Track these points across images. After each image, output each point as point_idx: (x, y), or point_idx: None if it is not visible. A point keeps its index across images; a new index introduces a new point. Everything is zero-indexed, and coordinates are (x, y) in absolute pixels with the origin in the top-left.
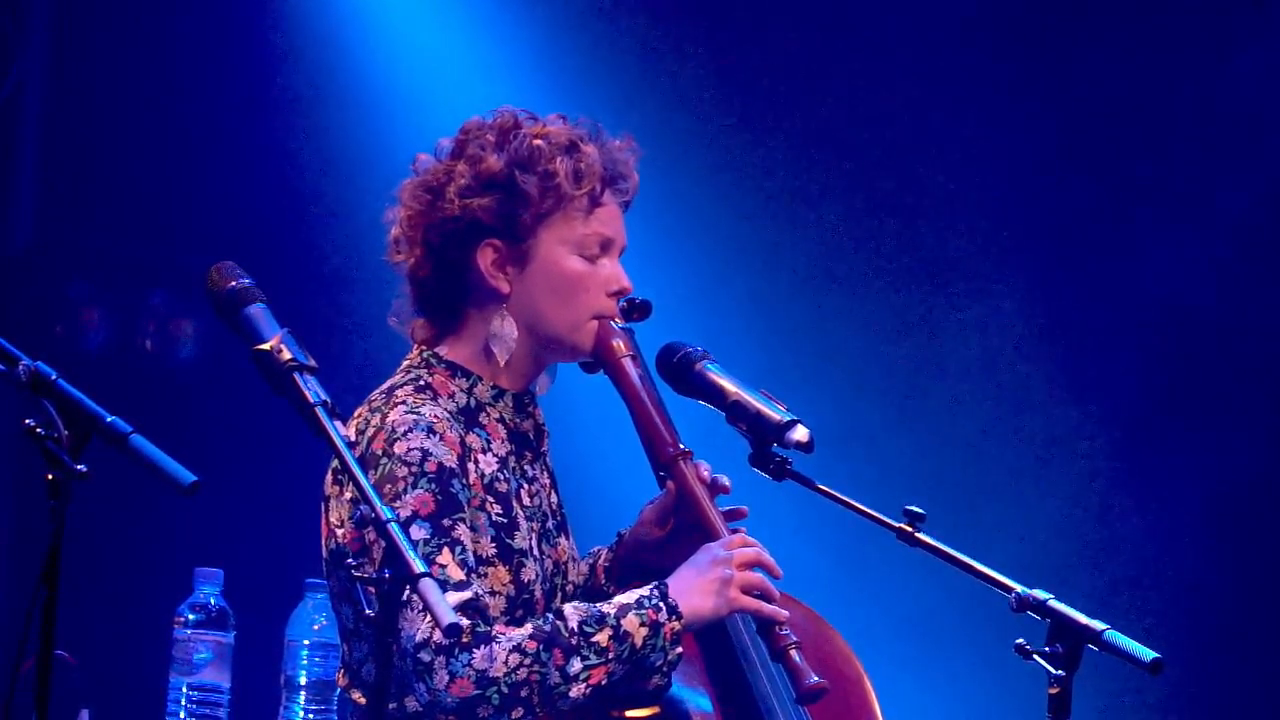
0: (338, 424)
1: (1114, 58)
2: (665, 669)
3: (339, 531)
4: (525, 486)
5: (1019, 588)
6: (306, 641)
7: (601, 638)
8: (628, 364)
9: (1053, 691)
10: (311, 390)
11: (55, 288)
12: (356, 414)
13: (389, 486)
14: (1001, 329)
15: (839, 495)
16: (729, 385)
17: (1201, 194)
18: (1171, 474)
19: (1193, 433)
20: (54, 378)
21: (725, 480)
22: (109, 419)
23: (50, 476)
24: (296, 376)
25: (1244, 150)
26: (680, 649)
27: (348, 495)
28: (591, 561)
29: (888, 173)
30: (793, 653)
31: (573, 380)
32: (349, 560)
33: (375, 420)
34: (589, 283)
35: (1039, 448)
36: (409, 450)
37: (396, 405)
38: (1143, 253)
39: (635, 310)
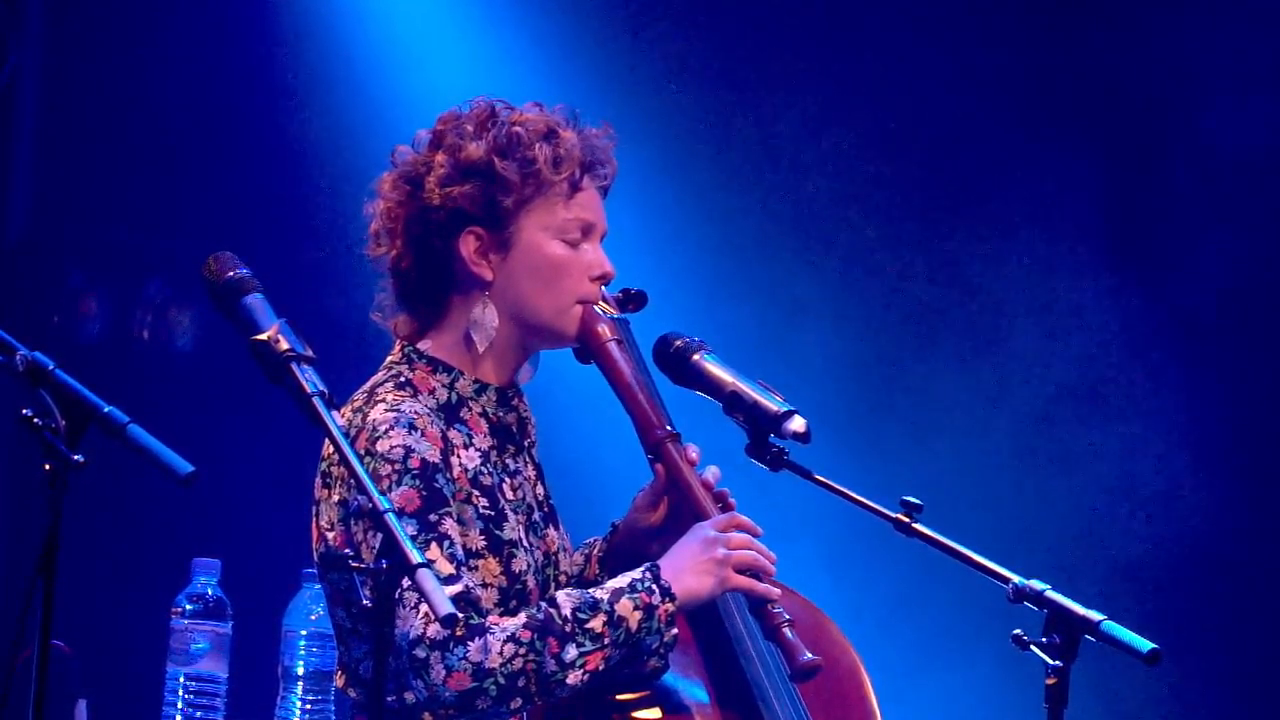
0: (335, 414)
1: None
2: (661, 651)
3: (329, 535)
4: (508, 480)
5: (1016, 578)
6: (304, 631)
7: (596, 623)
8: (613, 348)
9: (1050, 682)
10: (309, 380)
11: (52, 277)
12: (340, 413)
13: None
14: (1002, 319)
15: (836, 485)
16: (726, 376)
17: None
18: (1174, 468)
19: (1195, 426)
20: (51, 367)
21: (712, 473)
22: (106, 409)
23: (47, 466)
24: (294, 366)
25: None
26: (675, 630)
27: (336, 498)
28: (586, 552)
29: (890, 157)
30: (785, 630)
31: (567, 371)
32: (346, 551)
33: (357, 420)
34: (572, 268)
35: (1041, 442)
36: (391, 448)
37: (378, 403)
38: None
39: (631, 300)
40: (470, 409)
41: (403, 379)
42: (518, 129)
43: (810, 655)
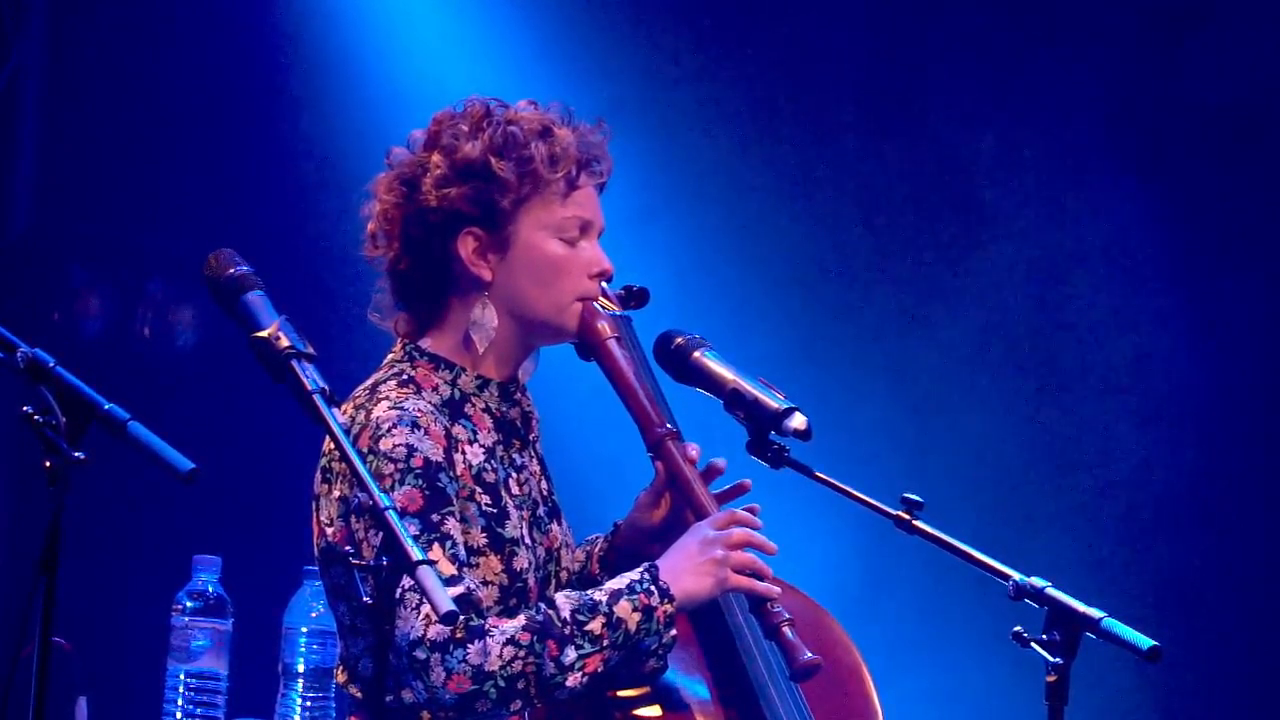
0: (336, 412)
1: None
2: (660, 652)
3: (329, 530)
4: (514, 475)
5: (1017, 575)
6: (304, 629)
7: (595, 625)
8: (612, 345)
9: (1050, 679)
10: (310, 378)
11: (53, 274)
12: (341, 410)
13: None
14: (1001, 315)
15: (837, 483)
16: (726, 373)
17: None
18: (1174, 465)
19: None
20: (52, 364)
21: (720, 462)
22: (107, 406)
23: (48, 463)
24: (295, 364)
25: None
26: (674, 631)
27: (336, 494)
28: (588, 549)
29: (888, 155)
30: (785, 630)
31: (571, 366)
32: (347, 549)
33: (360, 417)
34: (570, 266)
35: (1041, 441)
36: (394, 446)
37: (380, 401)
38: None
39: (633, 298)
40: (474, 405)
41: (405, 376)
42: (513, 128)
43: (810, 655)
